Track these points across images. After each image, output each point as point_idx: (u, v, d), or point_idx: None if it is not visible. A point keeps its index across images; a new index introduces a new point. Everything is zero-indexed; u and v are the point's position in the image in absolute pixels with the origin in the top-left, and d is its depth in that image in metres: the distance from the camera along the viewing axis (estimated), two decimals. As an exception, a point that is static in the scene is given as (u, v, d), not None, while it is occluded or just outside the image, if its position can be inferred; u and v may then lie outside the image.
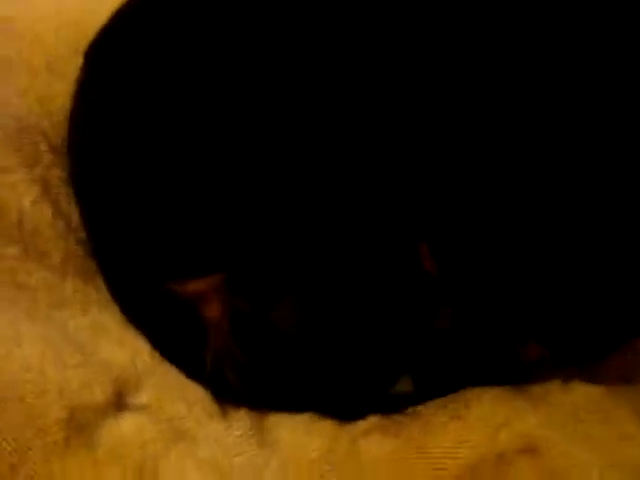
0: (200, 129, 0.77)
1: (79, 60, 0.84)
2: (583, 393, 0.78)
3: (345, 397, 0.80)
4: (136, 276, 0.83)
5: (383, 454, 0.71)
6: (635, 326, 0.75)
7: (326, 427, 0.76)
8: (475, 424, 0.75)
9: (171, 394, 0.78)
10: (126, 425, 0.73)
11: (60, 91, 0.89)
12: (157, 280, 0.82)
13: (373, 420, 0.76)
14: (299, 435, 0.74)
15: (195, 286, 0.81)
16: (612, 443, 0.74)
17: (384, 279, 0.77)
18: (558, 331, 0.72)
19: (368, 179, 0.75)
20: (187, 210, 0.79)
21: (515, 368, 0.79)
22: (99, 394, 0.73)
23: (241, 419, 0.78)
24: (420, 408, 0.78)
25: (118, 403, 0.75)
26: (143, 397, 0.76)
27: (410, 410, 0.78)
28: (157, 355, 0.82)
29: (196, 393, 0.80)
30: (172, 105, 0.77)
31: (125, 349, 0.81)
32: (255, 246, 0.81)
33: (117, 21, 0.82)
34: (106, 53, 0.82)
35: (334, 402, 0.79)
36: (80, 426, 0.71)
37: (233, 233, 0.80)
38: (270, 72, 0.76)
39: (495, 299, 0.72)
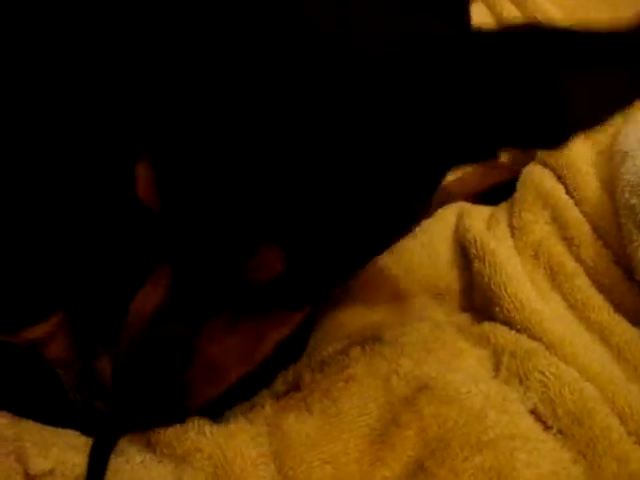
0: None
1: None
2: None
3: None
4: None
5: (308, 429, 0.72)
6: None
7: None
8: (366, 380, 0.77)
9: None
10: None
11: None
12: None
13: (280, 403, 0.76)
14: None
15: (32, 333, 0.80)
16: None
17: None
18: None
19: None
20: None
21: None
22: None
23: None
24: (312, 378, 0.79)
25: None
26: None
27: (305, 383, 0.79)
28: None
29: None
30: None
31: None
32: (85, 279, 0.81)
33: None
34: None
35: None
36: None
37: (59, 274, 0.79)
38: None
39: None
